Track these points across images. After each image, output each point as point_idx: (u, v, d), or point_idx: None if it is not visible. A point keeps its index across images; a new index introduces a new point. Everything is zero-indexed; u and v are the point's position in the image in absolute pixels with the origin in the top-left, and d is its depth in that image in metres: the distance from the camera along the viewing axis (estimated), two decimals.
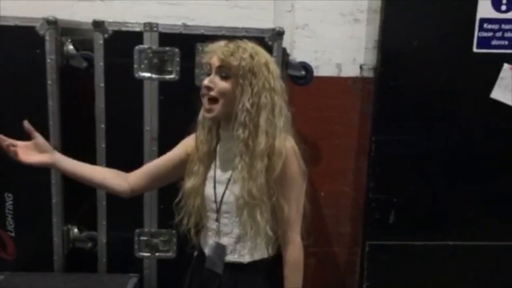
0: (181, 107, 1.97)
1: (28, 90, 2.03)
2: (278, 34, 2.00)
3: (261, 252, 1.55)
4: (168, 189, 1.62)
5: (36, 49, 1.97)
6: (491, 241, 2.52)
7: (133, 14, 2.38)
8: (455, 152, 2.46)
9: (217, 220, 1.55)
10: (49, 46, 1.97)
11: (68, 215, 2.16)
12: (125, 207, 2.05)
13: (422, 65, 2.39)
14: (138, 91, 2.04)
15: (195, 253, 1.69)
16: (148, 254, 2.17)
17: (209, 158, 1.57)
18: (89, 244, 2.20)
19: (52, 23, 1.95)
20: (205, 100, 1.48)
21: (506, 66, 2.37)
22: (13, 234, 2.12)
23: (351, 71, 2.55)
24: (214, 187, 1.55)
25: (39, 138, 1.51)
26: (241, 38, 1.89)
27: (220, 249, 1.56)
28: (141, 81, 2.04)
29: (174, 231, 2.13)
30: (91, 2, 2.49)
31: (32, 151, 1.51)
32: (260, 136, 1.45)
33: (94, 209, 2.13)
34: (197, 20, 2.33)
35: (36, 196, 2.09)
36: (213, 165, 1.57)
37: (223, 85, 1.46)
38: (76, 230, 2.20)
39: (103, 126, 2.04)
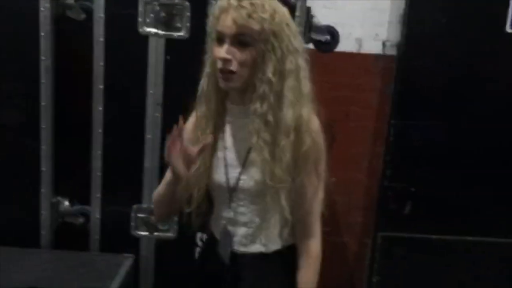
0: (190, 69, 1.77)
1: (19, 43, 1.92)
2: None
3: (277, 242, 1.44)
4: None
5: None
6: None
7: None
8: (481, 143, 2.39)
9: (231, 208, 1.43)
10: None
11: (59, 186, 2.08)
12: (123, 179, 2.04)
13: (450, 45, 2.31)
14: (142, 49, 1.92)
15: (204, 237, 1.63)
16: (146, 233, 2.08)
17: (214, 137, 1.42)
18: (81, 220, 2.10)
19: None
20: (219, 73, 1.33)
21: None
22: None
23: (372, 47, 2.53)
24: (226, 172, 1.41)
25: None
26: None
27: (228, 238, 1.45)
28: (145, 37, 1.92)
29: None
30: None
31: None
32: (284, 108, 1.30)
33: (88, 181, 2.04)
34: None
35: (23, 162, 2.00)
36: (220, 146, 1.43)
37: (243, 56, 1.28)
38: (66, 203, 2.11)
39: (101, 86, 1.93)
